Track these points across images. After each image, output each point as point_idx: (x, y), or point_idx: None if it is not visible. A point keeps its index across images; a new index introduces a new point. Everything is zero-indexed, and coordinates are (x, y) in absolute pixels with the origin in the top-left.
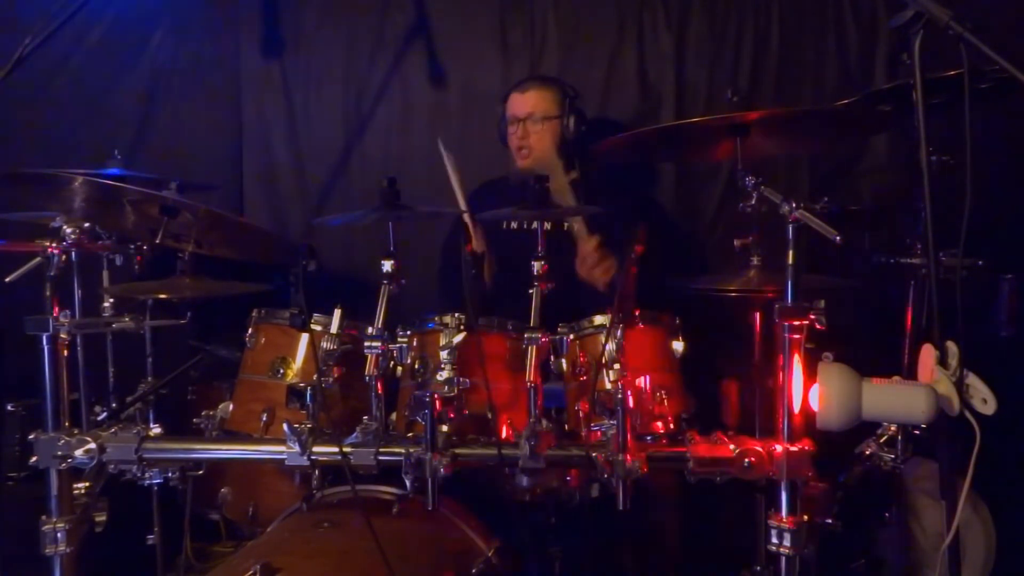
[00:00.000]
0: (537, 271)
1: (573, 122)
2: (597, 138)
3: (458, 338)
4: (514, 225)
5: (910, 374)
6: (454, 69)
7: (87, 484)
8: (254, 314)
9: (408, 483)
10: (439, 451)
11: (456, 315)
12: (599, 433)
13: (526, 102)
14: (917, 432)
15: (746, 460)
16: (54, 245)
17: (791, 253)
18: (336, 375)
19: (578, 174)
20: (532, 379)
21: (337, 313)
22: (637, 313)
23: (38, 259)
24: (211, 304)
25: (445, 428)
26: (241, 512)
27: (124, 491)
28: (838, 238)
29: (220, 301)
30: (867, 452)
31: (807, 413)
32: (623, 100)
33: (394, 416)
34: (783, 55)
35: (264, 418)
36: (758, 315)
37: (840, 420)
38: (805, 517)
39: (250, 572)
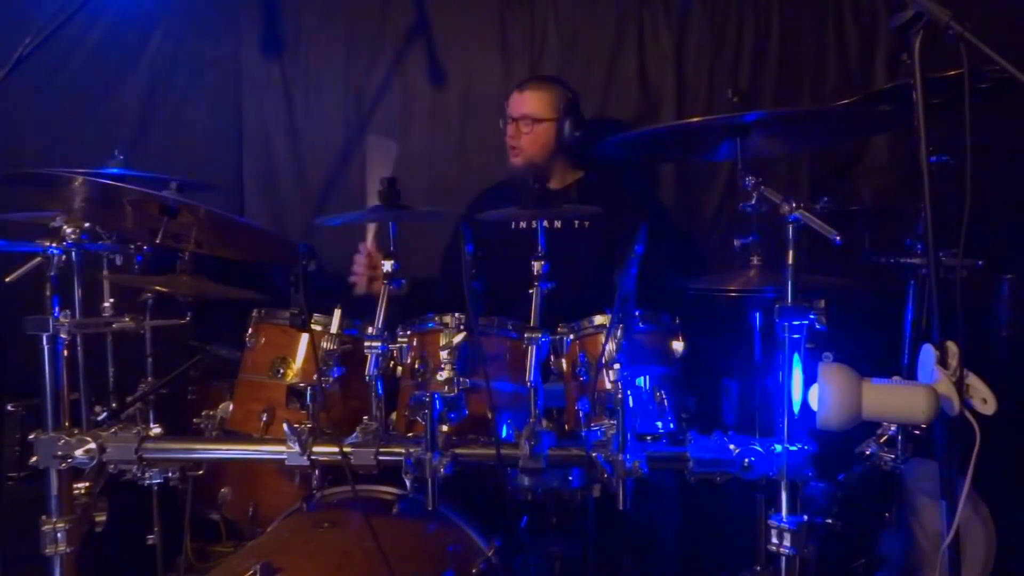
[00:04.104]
0: (537, 271)
1: (569, 125)
2: (597, 138)
3: (458, 338)
4: (523, 225)
5: (910, 374)
6: (454, 69)
7: (87, 484)
8: (254, 314)
9: (408, 483)
10: (439, 451)
11: (456, 315)
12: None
13: (522, 103)
14: (917, 432)
15: (746, 460)
16: (54, 245)
17: (791, 253)
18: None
19: (581, 175)
20: (532, 379)
21: (337, 313)
22: (637, 313)
23: (38, 259)
24: (211, 304)
25: (445, 428)
26: (241, 512)
27: (124, 491)
28: (838, 238)
29: (220, 301)
30: (867, 452)
31: (807, 413)
32: (623, 100)
33: (394, 416)
34: (783, 55)
35: (264, 418)
36: (758, 315)
37: (840, 420)
38: (805, 517)
39: (250, 572)
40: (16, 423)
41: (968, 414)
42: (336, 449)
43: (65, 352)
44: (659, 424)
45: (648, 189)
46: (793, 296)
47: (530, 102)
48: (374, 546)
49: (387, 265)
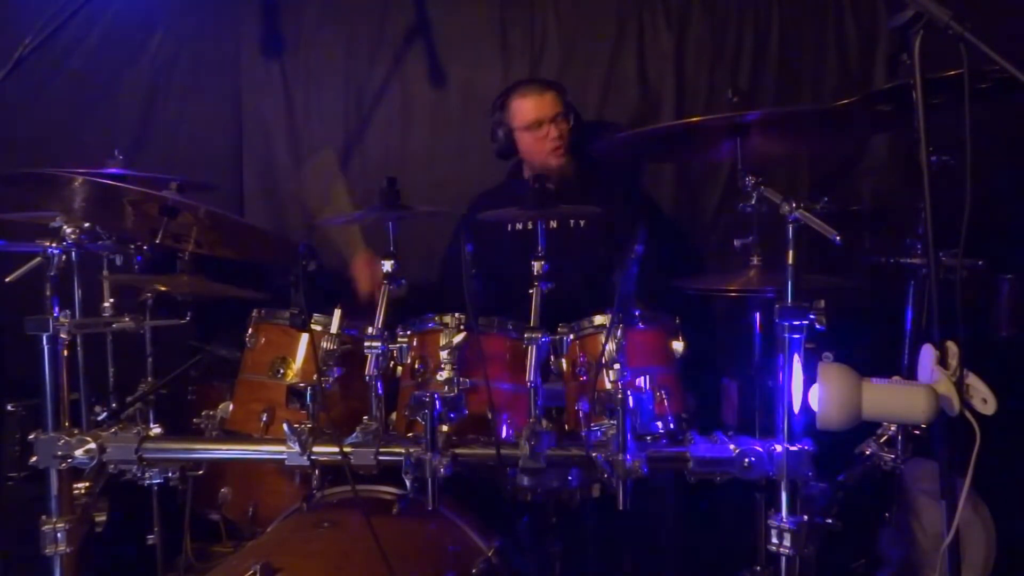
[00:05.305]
0: (537, 271)
1: (573, 117)
2: (597, 138)
3: (458, 338)
4: (519, 226)
5: (910, 374)
6: (454, 69)
7: (87, 484)
8: (254, 314)
9: (408, 483)
10: (439, 451)
11: (456, 315)
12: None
13: (547, 103)
14: (917, 432)
15: (746, 460)
16: (54, 245)
17: (791, 253)
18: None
19: (577, 166)
20: (532, 379)
21: (337, 313)
22: (637, 313)
23: (38, 259)
24: (211, 304)
25: (445, 428)
26: (241, 512)
27: (124, 491)
28: (838, 238)
29: (220, 301)
30: (867, 452)
31: (807, 413)
32: (623, 100)
33: (394, 416)
34: (783, 55)
35: (264, 418)
36: (758, 315)
37: (840, 420)
38: (805, 517)
39: (250, 572)
40: (16, 423)
41: (968, 414)
42: (336, 449)
43: (65, 352)
44: (659, 424)
45: (646, 189)
46: (793, 296)
47: (553, 101)
48: (374, 546)
49: (387, 265)
